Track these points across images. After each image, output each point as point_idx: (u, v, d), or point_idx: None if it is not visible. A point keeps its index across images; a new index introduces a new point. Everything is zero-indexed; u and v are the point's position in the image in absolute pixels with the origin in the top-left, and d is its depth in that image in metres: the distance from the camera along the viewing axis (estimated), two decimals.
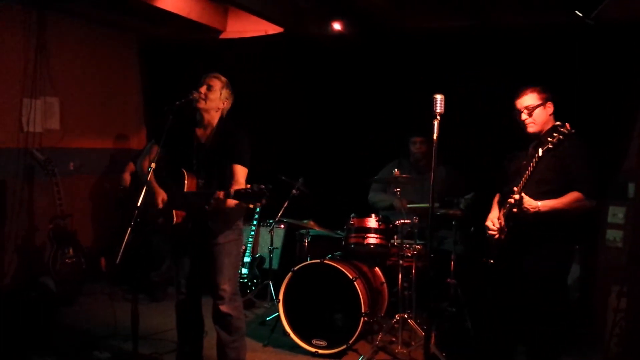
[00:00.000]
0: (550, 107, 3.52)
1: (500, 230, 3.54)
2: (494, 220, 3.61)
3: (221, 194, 3.27)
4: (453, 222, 4.81)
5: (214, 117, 3.63)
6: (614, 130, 4.89)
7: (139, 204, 3.20)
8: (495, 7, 5.19)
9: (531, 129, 3.52)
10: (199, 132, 3.65)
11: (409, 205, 4.73)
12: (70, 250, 5.47)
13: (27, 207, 5.63)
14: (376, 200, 5.33)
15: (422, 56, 5.64)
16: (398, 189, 4.59)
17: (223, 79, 3.68)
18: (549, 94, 3.53)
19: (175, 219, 3.48)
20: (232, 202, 3.31)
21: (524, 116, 3.52)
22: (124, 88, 6.91)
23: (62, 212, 5.46)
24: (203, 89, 3.59)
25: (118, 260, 3.14)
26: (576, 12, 4.01)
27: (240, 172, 3.50)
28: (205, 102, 3.57)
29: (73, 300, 5.34)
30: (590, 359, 4.45)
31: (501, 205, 3.63)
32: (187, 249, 3.70)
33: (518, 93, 3.56)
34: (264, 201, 3.16)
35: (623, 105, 4.84)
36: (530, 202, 3.30)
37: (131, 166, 5.98)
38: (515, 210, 3.36)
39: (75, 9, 5.88)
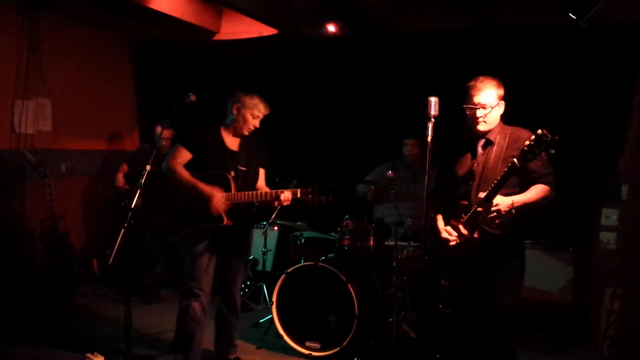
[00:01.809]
0: (502, 107, 3.34)
1: (459, 235, 3.29)
2: (449, 230, 3.35)
3: (288, 195, 3.77)
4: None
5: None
6: (608, 132, 4.91)
7: (132, 206, 3.22)
8: (491, 9, 5.20)
9: (483, 127, 3.32)
10: (228, 139, 3.91)
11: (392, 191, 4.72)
12: (62, 252, 5.44)
13: (19, 208, 5.60)
14: (359, 191, 5.30)
15: (417, 58, 5.64)
16: (392, 191, 4.59)
17: (242, 101, 3.87)
18: (504, 92, 3.33)
19: (225, 220, 3.73)
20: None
21: (480, 112, 3.28)
22: (117, 89, 6.88)
23: (54, 213, 5.43)
24: (254, 125, 3.90)
25: (110, 261, 3.14)
26: (570, 14, 4.03)
27: (264, 174, 4.08)
28: (251, 130, 3.92)
29: (65, 303, 5.30)
30: None
31: (454, 212, 3.36)
32: (224, 248, 3.90)
33: (476, 85, 3.30)
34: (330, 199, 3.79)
35: (617, 107, 4.85)
36: (504, 201, 3.08)
37: (124, 167, 5.95)
38: (484, 216, 3.13)
39: (69, 9, 5.85)
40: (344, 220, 4.75)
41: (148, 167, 3.59)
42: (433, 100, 3.31)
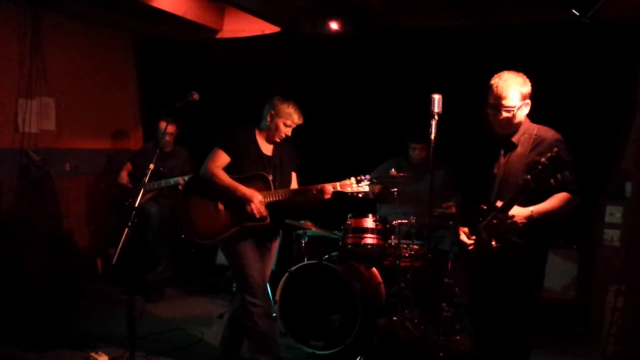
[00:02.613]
0: (528, 107, 3.14)
1: (476, 241, 3.22)
2: (467, 232, 3.27)
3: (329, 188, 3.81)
4: (450, 222, 4.80)
5: None
6: (612, 130, 4.90)
7: (136, 205, 3.23)
8: (492, 7, 5.19)
9: (505, 130, 3.15)
10: (262, 143, 3.91)
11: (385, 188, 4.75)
12: (66, 252, 5.44)
13: (23, 208, 5.60)
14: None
15: (419, 55, 5.63)
16: (395, 189, 4.58)
17: (277, 109, 3.85)
18: (530, 89, 3.13)
19: (267, 219, 3.73)
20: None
21: (504, 114, 3.07)
22: (120, 88, 6.88)
23: (58, 212, 5.44)
24: (286, 133, 3.90)
25: (114, 260, 3.15)
26: (573, 11, 4.01)
27: (295, 178, 4.11)
28: (284, 137, 3.91)
29: (69, 302, 5.31)
30: (587, 358, 4.45)
31: (473, 215, 3.25)
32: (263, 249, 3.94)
33: (497, 84, 3.08)
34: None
35: (621, 104, 4.84)
36: (521, 212, 2.97)
37: (128, 166, 5.96)
38: (500, 228, 3.02)
39: (71, 8, 5.85)
40: (347, 219, 4.75)
41: (152, 166, 3.61)
42: (436, 97, 3.28)
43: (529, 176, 2.83)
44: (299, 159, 4.16)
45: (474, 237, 3.22)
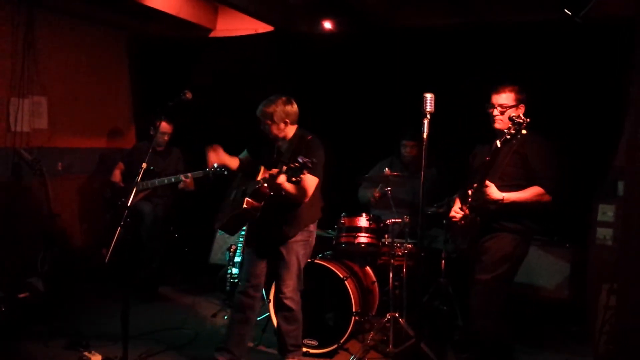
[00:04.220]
0: (522, 109, 3.61)
1: (464, 216, 3.75)
2: (456, 209, 3.83)
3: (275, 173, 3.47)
4: (444, 221, 4.81)
5: (287, 132, 3.84)
6: (603, 129, 4.92)
7: (129, 204, 3.22)
8: (486, 6, 5.20)
9: (498, 125, 3.63)
10: (279, 143, 3.89)
11: (389, 195, 4.73)
12: (59, 251, 5.42)
13: (15, 207, 5.58)
14: (360, 196, 5.32)
15: (413, 54, 5.63)
16: (389, 188, 4.59)
17: (270, 109, 3.75)
18: (524, 96, 3.63)
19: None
20: (286, 184, 3.49)
21: (495, 112, 3.63)
22: (113, 87, 6.86)
23: (51, 212, 5.41)
24: (266, 130, 3.79)
25: (107, 259, 3.14)
26: (565, 10, 4.03)
27: (310, 181, 3.64)
28: (271, 135, 3.80)
29: (62, 301, 5.29)
30: (580, 356, 4.47)
31: (464, 199, 3.79)
32: (261, 245, 3.94)
33: (496, 88, 3.66)
34: (304, 174, 3.35)
35: (613, 103, 4.86)
36: (494, 192, 3.45)
37: (120, 165, 5.93)
38: (477, 199, 3.54)
39: (64, 6, 5.83)
40: (340, 218, 4.75)
41: (144, 165, 3.60)
42: (429, 96, 3.32)
43: (497, 140, 3.41)
44: (311, 156, 3.72)
45: (462, 212, 3.75)
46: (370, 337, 4.36)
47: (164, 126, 5.61)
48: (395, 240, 4.58)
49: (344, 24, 5.72)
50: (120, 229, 3.32)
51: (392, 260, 4.46)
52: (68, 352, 4.18)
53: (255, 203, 3.61)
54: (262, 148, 3.97)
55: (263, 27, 6.26)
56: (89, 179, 6.52)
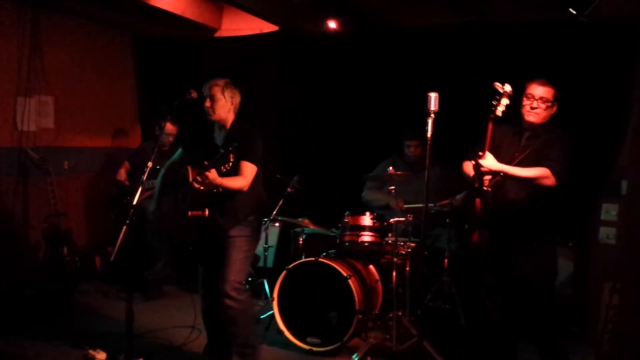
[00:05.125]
0: (555, 109, 3.54)
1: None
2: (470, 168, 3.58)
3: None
4: (447, 220, 4.82)
5: (227, 119, 3.75)
6: (608, 128, 4.91)
7: (134, 203, 3.24)
8: (490, 5, 5.20)
9: (533, 119, 3.49)
10: (216, 134, 3.79)
11: (405, 206, 4.74)
12: (65, 249, 5.45)
13: (22, 206, 5.62)
14: (371, 199, 5.33)
15: (418, 54, 5.64)
16: (392, 187, 4.60)
17: (220, 82, 3.73)
18: (560, 97, 3.55)
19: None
20: (218, 178, 3.38)
21: (534, 104, 3.47)
22: (118, 86, 6.89)
23: (57, 211, 5.45)
24: (207, 103, 3.68)
25: (112, 258, 3.17)
26: (570, 9, 4.03)
27: (248, 169, 3.57)
28: (215, 113, 3.68)
29: (67, 300, 5.33)
30: (583, 355, 4.46)
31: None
32: (204, 244, 3.76)
33: (538, 80, 3.51)
34: (232, 159, 3.25)
35: (617, 102, 4.85)
36: (493, 165, 3.31)
37: (126, 165, 5.97)
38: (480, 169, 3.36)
39: (70, 6, 5.85)
40: (344, 216, 4.77)
41: (150, 165, 3.62)
42: (433, 95, 3.33)
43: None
44: (249, 144, 3.71)
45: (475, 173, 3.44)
46: (373, 335, 4.37)
47: (169, 127, 5.64)
48: (399, 239, 4.59)
49: (349, 24, 5.72)
50: (126, 227, 3.35)
51: (396, 259, 4.47)
52: (73, 350, 4.22)
53: (198, 212, 3.53)
54: (198, 147, 3.84)
55: (268, 27, 6.28)
56: (95, 178, 6.55)
